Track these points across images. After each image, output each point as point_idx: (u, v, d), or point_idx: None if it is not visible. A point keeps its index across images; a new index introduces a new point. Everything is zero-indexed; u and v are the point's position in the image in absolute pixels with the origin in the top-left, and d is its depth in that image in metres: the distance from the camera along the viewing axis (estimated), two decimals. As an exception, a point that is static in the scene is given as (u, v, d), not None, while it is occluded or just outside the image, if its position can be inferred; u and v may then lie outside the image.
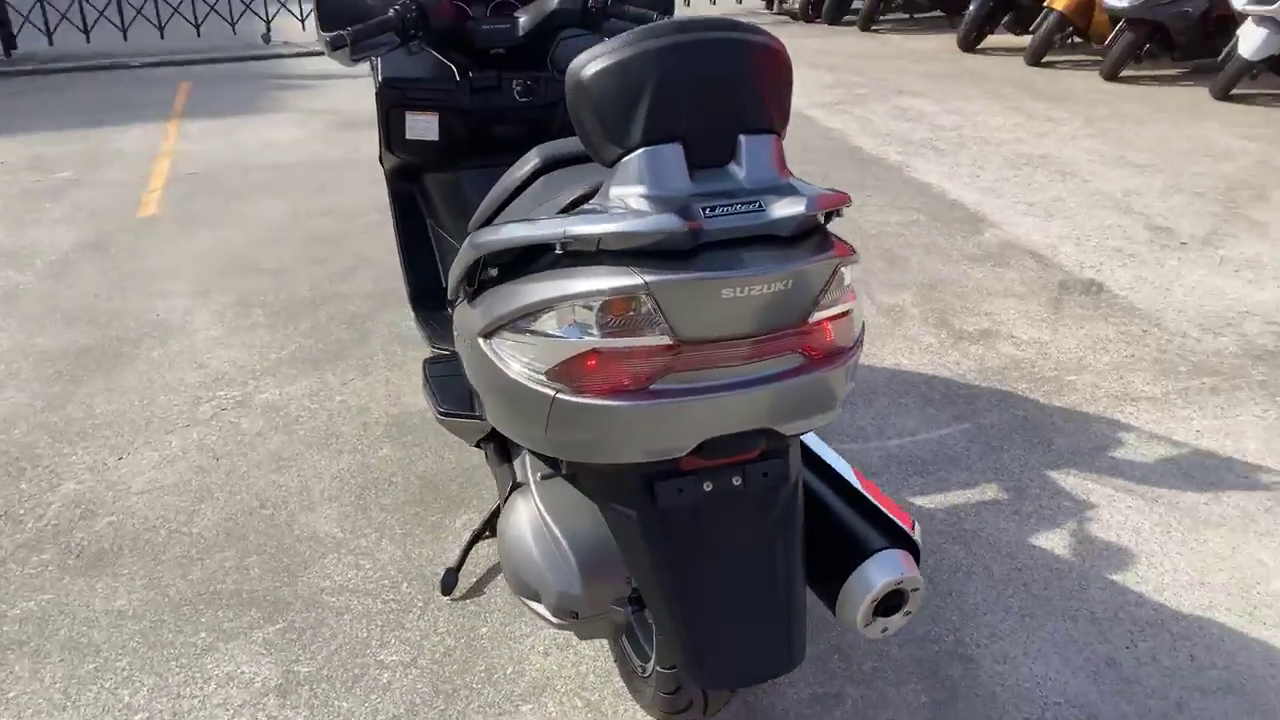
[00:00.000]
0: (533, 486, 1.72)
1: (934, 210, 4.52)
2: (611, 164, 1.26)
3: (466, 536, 2.23)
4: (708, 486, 1.36)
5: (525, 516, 1.69)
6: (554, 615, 1.66)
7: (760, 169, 1.25)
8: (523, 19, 2.34)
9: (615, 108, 1.23)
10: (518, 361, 1.33)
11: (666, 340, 1.21)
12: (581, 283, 1.21)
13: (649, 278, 1.16)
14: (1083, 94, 6.91)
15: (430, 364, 2.13)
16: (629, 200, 1.22)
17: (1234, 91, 6.55)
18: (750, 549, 1.40)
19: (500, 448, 1.92)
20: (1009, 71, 7.75)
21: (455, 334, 1.63)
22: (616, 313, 1.21)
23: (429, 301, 2.67)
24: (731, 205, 1.20)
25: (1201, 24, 6.91)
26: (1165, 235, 4.19)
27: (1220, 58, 6.61)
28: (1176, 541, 2.28)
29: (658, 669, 1.59)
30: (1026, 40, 8.09)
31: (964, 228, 4.30)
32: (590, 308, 1.22)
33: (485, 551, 2.26)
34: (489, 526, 2.23)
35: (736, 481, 1.38)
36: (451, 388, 2.03)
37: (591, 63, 1.24)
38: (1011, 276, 3.79)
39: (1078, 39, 8.09)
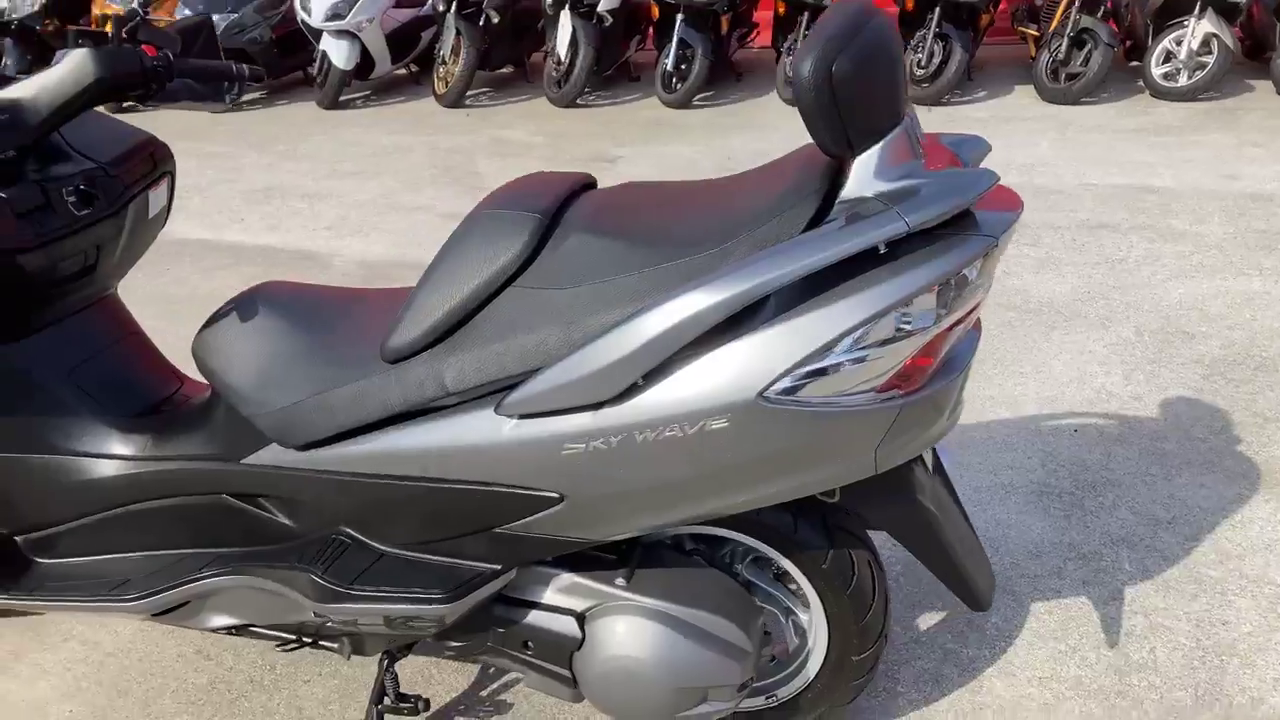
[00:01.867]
0: (624, 594, 1.46)
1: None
2: (859, 153, 1.18)
3: None
4: None
5: (636, 629, 1.46)
6: (731, 698, 1.50)
7: None
8: (28, 97, 1.60)
9: (874, 92, 1.15)
10: (834, 394, 1.18)
11: (983, 293, 1.24)
12: (926, 271, 1.14)
13: (993, 234, 1.18)
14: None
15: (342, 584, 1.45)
16: (908, 179, 1.18)
17: (341, 99, 7.29)
18: (940, 477, 1.51)
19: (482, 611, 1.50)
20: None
21: (603, 442, 1.24)
22: (956, 286, 1.19)
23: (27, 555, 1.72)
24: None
25: (276, 45, 7.42)
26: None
27: (318, 73, 7.23)
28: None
29: (848, 658, 1.56)
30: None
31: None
32: (934, 292, 1.17)
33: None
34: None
35: None
36: (419, 573, 1.45)
37: (843, 52, 1.12)
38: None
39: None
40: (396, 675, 1.70)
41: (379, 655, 1.70)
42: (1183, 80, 6.28)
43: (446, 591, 1.42)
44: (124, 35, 1.71)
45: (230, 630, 1.69)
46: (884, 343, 1.17)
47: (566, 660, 1.50)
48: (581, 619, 1.49)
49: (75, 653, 2.02)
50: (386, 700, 1.70)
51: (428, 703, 1.71)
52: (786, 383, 1.16)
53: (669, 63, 6.68)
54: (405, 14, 7.58)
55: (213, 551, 1.65)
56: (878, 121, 1.17)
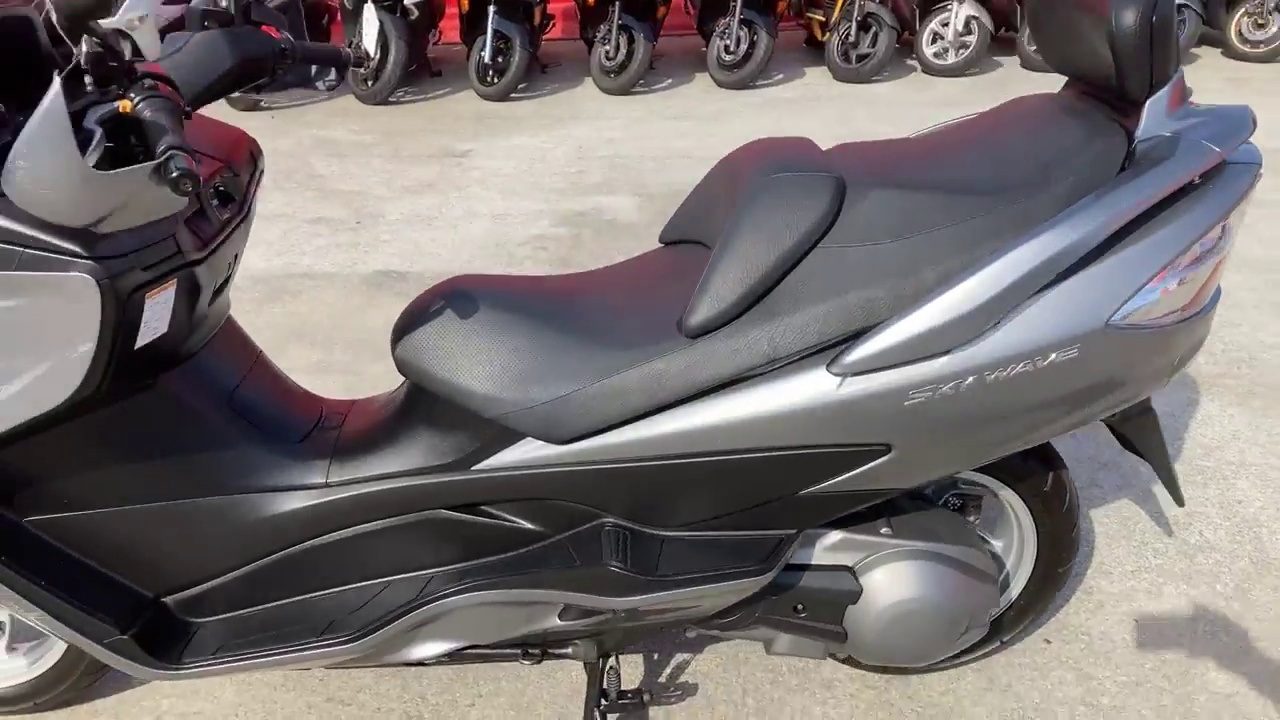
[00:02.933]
0: (892, 542, 1.54)
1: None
2: (1152, 96, 1.30)
3: None
4: None
5: (910, 573, 1.54)
6: (986, 624, 1.62)
7: None
8: (184, 69, 1.42)
9: (1171, 40, 1.27)
10: (1160, 315, 1.30)
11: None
12: (1225, 196, 1.29)
13: (1257, 162, 1.35)
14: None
15: None
16: (1190, 118, 1.32)
17: (113, 106, 6.51)
18: None
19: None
20: None
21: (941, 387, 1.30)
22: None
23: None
24: None
25: (22, 49, 6.50)
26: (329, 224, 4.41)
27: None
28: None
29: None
30: None
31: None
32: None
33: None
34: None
35: None
36: (715, 550, 1.41)
37: (1157, 3, 1.24)
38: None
39: None
40: (619, 672, 1.65)
41: (586, 659, 1.63)
42: (951, 58, 7.05)
43: (758, 562, 1.41)
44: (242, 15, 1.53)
45: (441, 658, 1.56)
46: (1195, 264, 1.31)
47: (839, 616, 1.54)
48: (853, 573, 1.52)
49: (182, 728, 1.77)
50: (604, 702, 1.64)
51: (652, 695, 1.67)
52: (1129, 308, 1.27)
53: (485, 55, 6.57)
54: (173, 10, 6.88)
55: (424, 574, 1.52)
56: (1170, 67, 1.30)
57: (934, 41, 7.08)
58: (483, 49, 6.58)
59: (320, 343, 3.24)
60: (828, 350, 1.32)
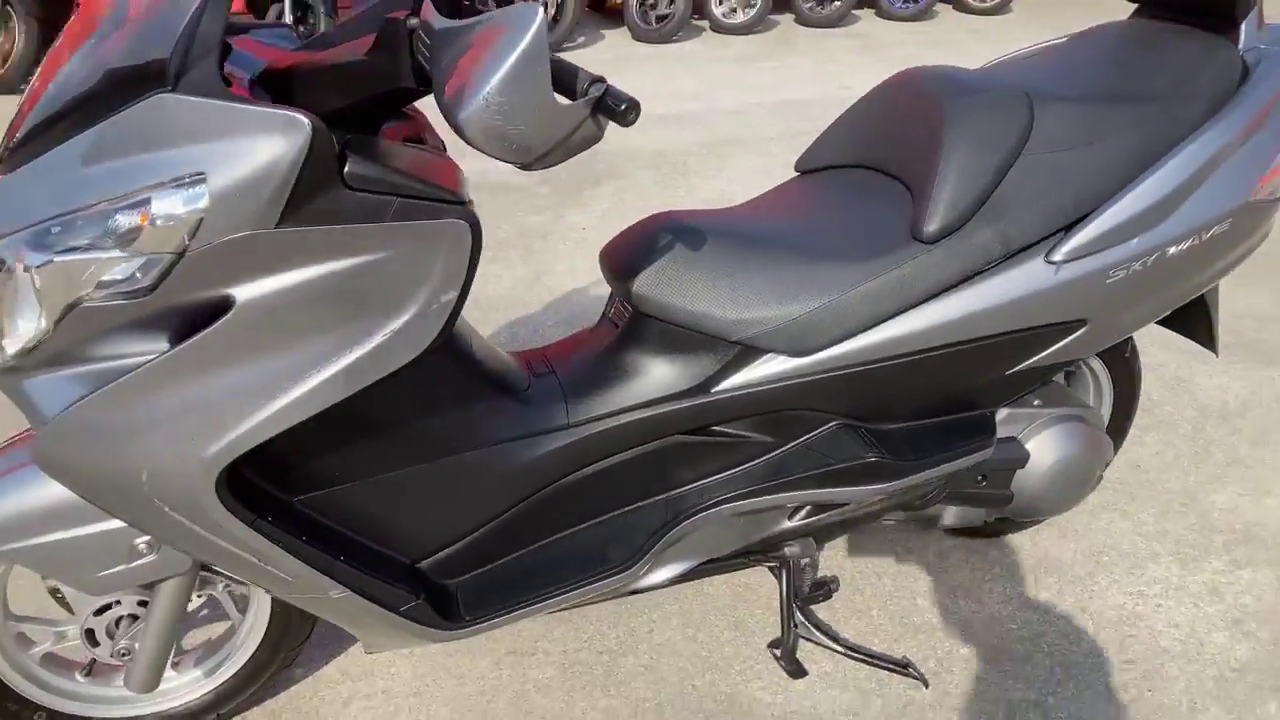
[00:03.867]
0: (1045, 410, 1.79)
1: None
2: (1247, 17, 1.61)
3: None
4: None
5: (1066, 434, 1.80)
6: (1104, 469, 1.92)
7: None
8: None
9: None
10: (1270, 194, 1.63)
11: None
12: None
13: None
14: None
15: None
16: (1273, 34, 1.65)
17: None
18: None
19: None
20: None
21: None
22: None
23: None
24: None
25: None
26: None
27: None
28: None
29: None
30: None
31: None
32: None
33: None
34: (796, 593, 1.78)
35: None
36: (939, 433, 1.58)
37: None
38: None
39: None
40: (816, 563, 1.79)
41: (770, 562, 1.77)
42: (739, 17, 7.49)
43: (980, 438, 1.61)
44: None
45: (675, 579, 1.64)
46: None
47: (1009, 480, 1.77)
48: (1018, 441, 1.76)
49: (378, 708, 1.71)
50: (796, 600, 1.78)
51: (836, 586, 1.82)
52: (1258, 186, 1.59)
53: (288, 21, 6.19)
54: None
55: (659, 499, 1.59)
56: None
57: (722, 2, 7.49)
58: (280, 15, 6.19)
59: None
60: (1044, 243, 1.53)
